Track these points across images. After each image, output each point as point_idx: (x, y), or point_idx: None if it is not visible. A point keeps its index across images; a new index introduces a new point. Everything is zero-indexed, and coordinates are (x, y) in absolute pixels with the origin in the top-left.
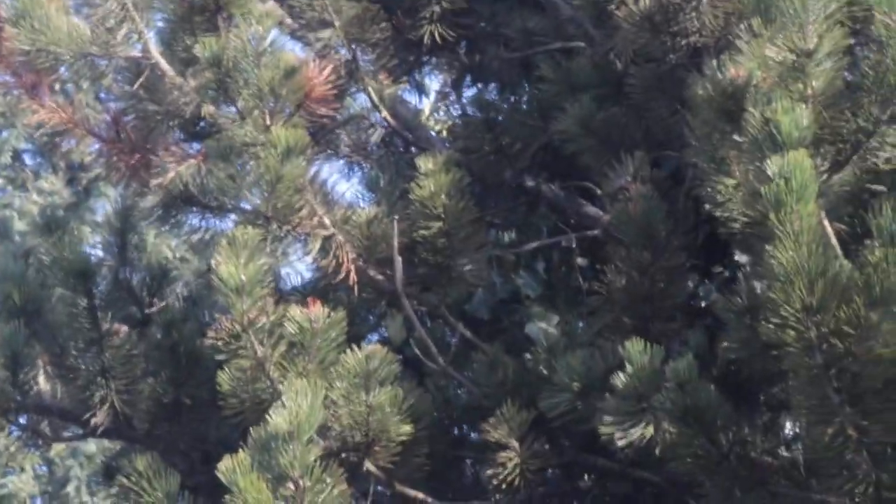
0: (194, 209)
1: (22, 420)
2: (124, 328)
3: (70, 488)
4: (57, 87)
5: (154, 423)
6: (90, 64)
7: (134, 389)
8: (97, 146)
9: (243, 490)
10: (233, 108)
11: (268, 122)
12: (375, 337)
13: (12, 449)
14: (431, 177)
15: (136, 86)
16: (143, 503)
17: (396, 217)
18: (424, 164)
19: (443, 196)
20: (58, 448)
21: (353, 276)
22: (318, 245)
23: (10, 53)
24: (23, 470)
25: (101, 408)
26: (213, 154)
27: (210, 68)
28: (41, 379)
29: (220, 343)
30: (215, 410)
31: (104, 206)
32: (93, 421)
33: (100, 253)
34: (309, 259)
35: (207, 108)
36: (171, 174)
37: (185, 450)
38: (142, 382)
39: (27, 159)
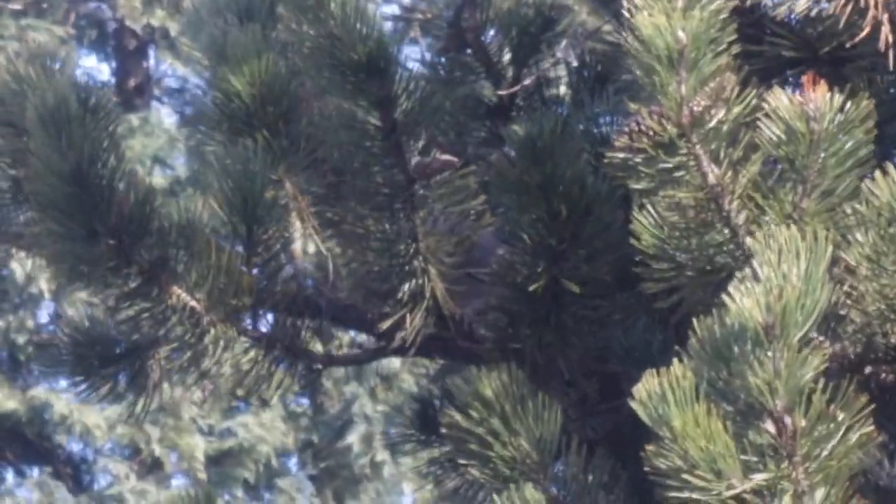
0: None
1: (263, 326)
2: (446, 158)
3: (352, 438)
4: None
5: (507, 329)
6: None
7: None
8: None
9: (680, 434)
10: None
11: None
12: None
13: (246, 381)
14: None
15: None
16: (491, 459)
17: None
18: None
19: None
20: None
21: (885, 31)
22: None
23: None
24: (265, 406)
25: (412, 306)
26: None
27: None
28: (298, 246)
29: (638, 157)
30: (625, 302)
31: None
32: (397, 333)
33: None
34: (800, 3)
35: None
36: None
37: (570, 377)
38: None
39: None
